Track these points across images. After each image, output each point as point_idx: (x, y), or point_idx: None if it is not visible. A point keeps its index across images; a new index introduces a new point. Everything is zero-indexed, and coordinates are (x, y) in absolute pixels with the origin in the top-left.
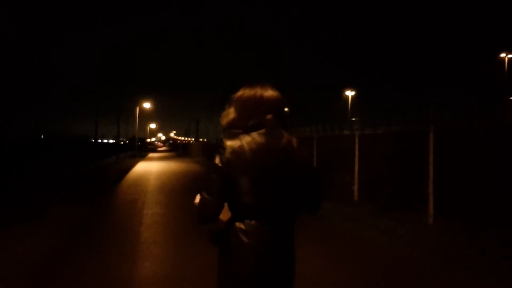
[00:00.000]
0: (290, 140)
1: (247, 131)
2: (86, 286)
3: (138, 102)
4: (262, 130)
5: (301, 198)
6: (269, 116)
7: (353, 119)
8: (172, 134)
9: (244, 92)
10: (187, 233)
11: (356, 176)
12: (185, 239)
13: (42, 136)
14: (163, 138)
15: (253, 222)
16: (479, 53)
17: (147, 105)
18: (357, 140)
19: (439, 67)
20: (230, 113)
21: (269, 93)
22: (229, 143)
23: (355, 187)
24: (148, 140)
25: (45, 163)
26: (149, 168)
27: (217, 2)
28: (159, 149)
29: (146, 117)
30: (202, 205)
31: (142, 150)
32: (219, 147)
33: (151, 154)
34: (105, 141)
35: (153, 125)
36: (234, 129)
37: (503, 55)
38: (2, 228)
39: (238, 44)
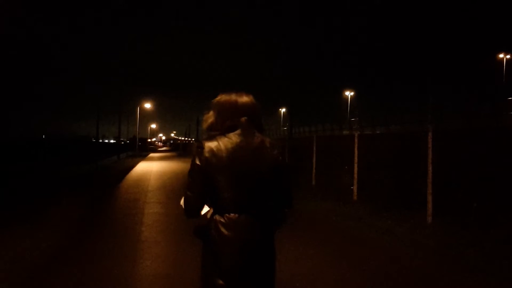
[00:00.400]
0: (263, 140)
1: (224, 133)
2: (86, 285)
3: (138, 102)
4: (238, 131)
5: (275, 192)
6: (243, 119)
7: (353, 119)
8: (172, 134)
9: (221, 98)
10: (188, 232)
11: (355, 175)
12: (186, 238)
13: (43, 136)
14: (163, 138)
15: (231, 215)
16: (479, 54)
17: (147, 105)
18: (356, 140)
19: (439, 67)
20: (210, 117)
21: (243, 99)
22: (207, 143)
23: (355, 187)
24: (149, 140)
25: (45, 163)
26: (150, 168)
27: (217, 2)
28: (160, 149)
29: (147, 117)
30: (186, 201)
31: (143, 150)
32: (198, 148)
33: (151, 154)
34: (106, 141)
35: (153, 125)
36: (213, 131)
37: (501, 55)
38: (3, 227)
39: (238, 45)
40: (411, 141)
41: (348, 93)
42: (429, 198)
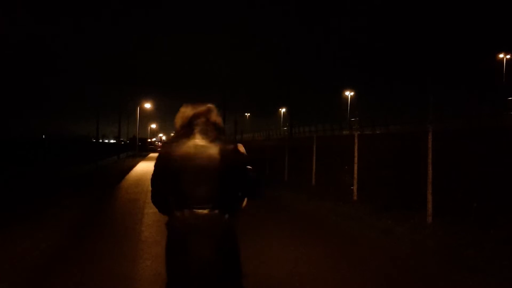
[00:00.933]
0: (218, 138)
1: (185, 134)
2: (86, 285)
3: (138, 102)
4: (196, 132)
5: (232, 186)
6: (201, 120)
7: (353, 119)
8: (172, 134)
9: (182, 108)
10: None
11: (355, 175)
12: None
13: (43, 136)
14: (164, 138)
15: (186, 210)
16: (479, 54)
17: (147, 105)
18: (356, 140)
19: (439, 67)
20: (175, 124)
21: (200, 107)
22: (168, 145)
23: (354, 187)
24: (149, 140)
25: (45, 163)
26: (150, 168)
27: (217, 2)
28: (160, 149)
29: (147, 117)
30: (152, 197)
31: (143, 150)
32: (160, 150)
33: (151, 154)
34: (106, 141)
35: (153, 125)
36: (177, 134)
37: (501, 55)
38: (3, 227)
39: (238, 45)
40: (411, 141)
41: (348, 93)
42: (429, 198)
